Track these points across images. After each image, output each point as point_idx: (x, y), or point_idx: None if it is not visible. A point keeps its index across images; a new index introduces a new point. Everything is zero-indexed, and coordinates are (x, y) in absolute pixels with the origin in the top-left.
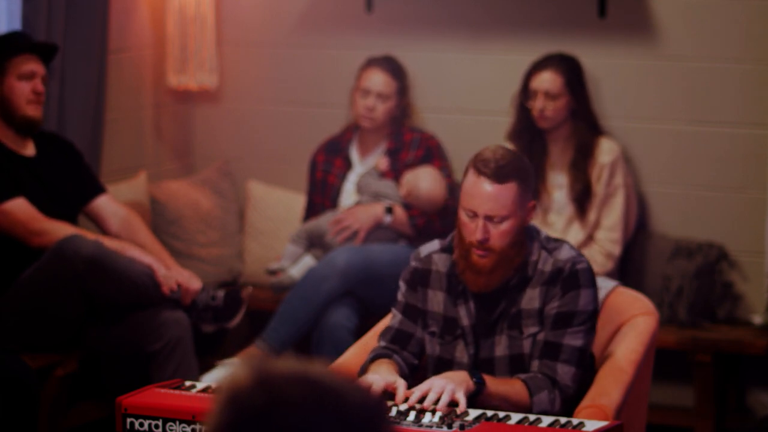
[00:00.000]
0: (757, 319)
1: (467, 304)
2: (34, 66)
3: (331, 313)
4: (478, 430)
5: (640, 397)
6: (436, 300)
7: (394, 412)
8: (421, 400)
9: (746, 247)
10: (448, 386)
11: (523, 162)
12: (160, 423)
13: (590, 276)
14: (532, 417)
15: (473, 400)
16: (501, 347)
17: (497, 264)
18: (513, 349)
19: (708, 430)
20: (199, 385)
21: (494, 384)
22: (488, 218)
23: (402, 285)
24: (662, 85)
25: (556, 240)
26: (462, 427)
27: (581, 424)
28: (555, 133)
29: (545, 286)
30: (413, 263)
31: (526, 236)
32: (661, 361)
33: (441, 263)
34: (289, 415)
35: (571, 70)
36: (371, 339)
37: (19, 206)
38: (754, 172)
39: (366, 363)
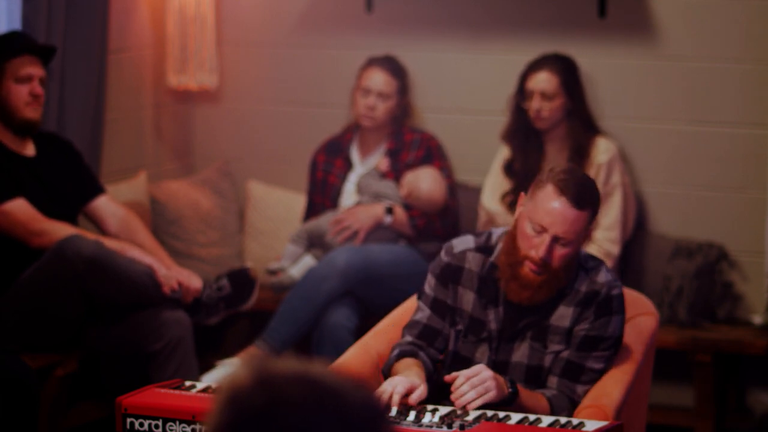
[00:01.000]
0: (757, 319)
1: (497, 309)
2: (32, 69)
3: (331, 313)
4: (478, 430)
5: (640, 397)
6: (466, 299)
7: (393, 412)
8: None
9: (746, 247)
10: (485, 384)
11: (597, 191)
12: (160, 423)
13: (622, 302)
14: (532, 417)
15: (500, 408)
16: (519, 354)
17: (546, 282)
18: (532, 360)
19: (708, 430)
20: (199, 385)
21: (526, 398)
22: (555, 239)
23: (431, 278)
24: (662, 85)
25: (594, 258)
26: (462, 427)
27: (581, 424)
28: (551, 134)
29: (579, 307)
30: (445, 258)
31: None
32: (661, 361)
33: (475, 263)
34: (290, 415)
35: (566, 69)
36: (371, 339)
37: (19, 207)
38: (754, 172)
39: (391, 359)
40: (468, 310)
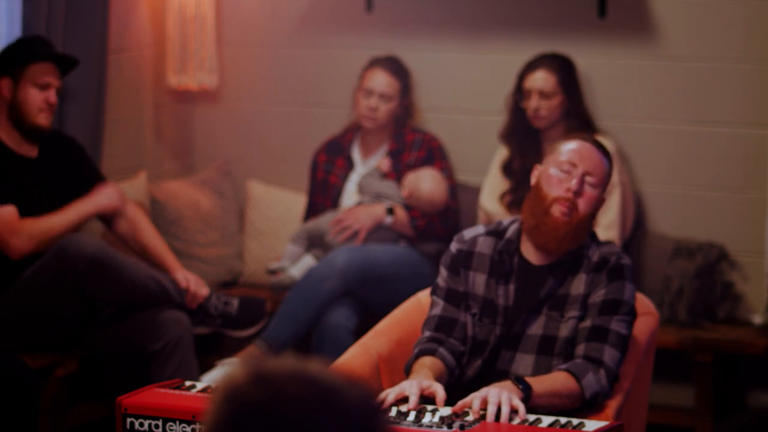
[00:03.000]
0: (757, 319)
1: (507, 286)
2: (51, 78)
3: (331, 313)
4: (478, 430)
5: (640, 397)
6: (478, 282)
7: (394, 412)
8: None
9: (746, 247)
10: (503, 395)
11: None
12: (160, 423)
13: (633, 273)
14: (531, 417)
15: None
16: (536, 326)
17: (572, 229)
18: (548, 330)
19: (708, 430)
20: (199, 385)
21: (539, 384)
22: (585, 175)
23: (443, 270)
24: (662, 85)
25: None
26: (462, 427)
27: (581, 424)
28: (549, 133)
29: (591, 273)
30: (455, 246)
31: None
32: (661, 361)
33: (485, 246)
34: (288, 410)
35: (564, 68)
36: (371, 339)
37: (4, 214)
38: (754, 172)
39: (411, 359)
40: (480, 294)
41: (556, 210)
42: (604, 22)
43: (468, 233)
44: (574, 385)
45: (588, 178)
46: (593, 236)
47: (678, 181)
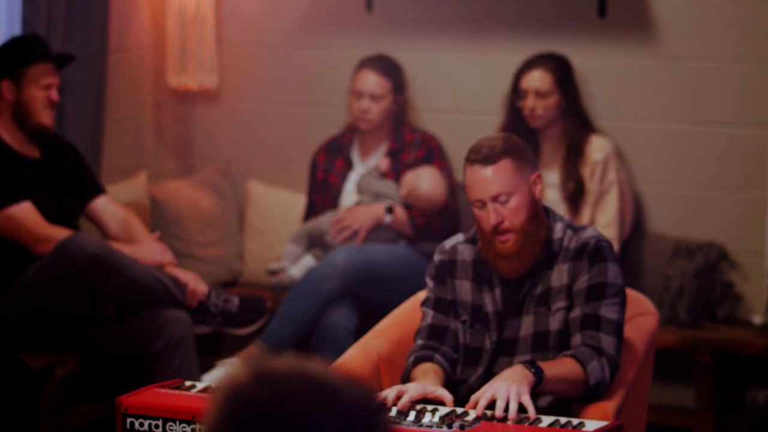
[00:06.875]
0: (757, 319)
1: (492, 291)
2: (52, 78)
3: (331, 313)
4: (478, 430)
5: (640, 397)
6: (464, 289)
7: (393, 412)
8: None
9: (746, 247)
10: (512, 390)
11: (511, 139)
12: (160, 423)
13: (613, 252)
14: (532, 417)
15: (533, 391)
16: (526, 327)
17: (522, 244)
18: (538, 327)
19: (708, 430)
20: (199, 385)
21: (550, 368)
22: (495, 200)
23: (429, 281)
24: (662, 85)
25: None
26: (462, 427)
27: (581, 424)
28: (546, 132)
29: (572, 261)
30: (437, 257)
31: (544, 212)
32: (661, 361)
33: (466, 253)
34: (289, 409)
35: (560, 68)
36: (371, 339)
37: (26, 211)
38: (754, 172)
39: (408, 367)
40: (468, 300)
41: (497, 241)
42: (604, 22)
43: (448, 243)
44: (580, 371)
45: (500, 198)
46: (569, 224)
47: (678, 181)
